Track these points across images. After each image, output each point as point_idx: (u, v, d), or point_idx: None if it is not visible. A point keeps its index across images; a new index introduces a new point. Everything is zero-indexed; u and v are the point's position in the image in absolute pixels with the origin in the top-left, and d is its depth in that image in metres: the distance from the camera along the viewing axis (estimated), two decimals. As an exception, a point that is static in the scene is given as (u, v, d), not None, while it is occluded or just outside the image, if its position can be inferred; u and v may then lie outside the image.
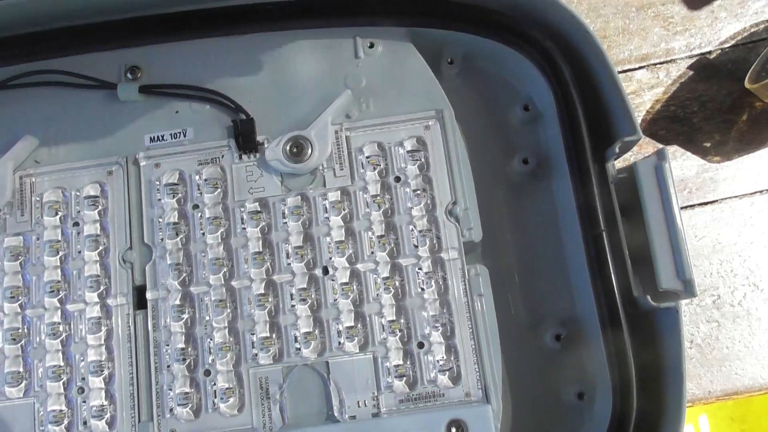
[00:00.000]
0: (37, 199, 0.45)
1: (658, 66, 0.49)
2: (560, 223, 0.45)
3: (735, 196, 0.47)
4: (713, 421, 1.14)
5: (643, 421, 0.39)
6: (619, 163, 0.46)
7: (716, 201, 0.47)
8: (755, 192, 0.47)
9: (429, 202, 0.44)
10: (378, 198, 0.44)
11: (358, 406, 0.41)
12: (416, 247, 0.43)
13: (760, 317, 0.45)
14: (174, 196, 0.45)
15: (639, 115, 0.49)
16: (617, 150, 0.40)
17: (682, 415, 0.37)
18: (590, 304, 0.42)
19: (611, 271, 0.40)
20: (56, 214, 0.45)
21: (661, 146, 0.45)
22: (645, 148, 0.48)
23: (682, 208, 0.48)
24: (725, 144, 0.48)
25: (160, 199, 0.45)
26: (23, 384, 0.43)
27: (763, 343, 0.45)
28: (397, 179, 0.44)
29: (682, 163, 0.48)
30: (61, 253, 0.45)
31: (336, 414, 0.41)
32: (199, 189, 0.45)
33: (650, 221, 0.39)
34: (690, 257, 0.38)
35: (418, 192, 0.44)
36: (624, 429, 0.39)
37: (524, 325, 0.45)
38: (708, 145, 0.48)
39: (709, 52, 0.49)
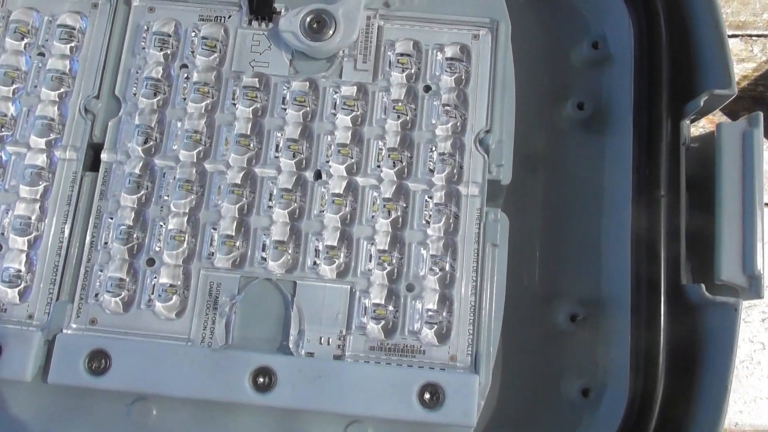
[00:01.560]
0: (3, 15, 0.38)
1: (754, 38, 0.41)
2: (605, 185, 0.38)
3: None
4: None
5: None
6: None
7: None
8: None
9: (459, 123, 0.36)
10: (399, 105, 0.36)
11: (320, 343, 0.34)
12: (432, 171, 0.36)
13: (816, 352, 0.38)
14: (162, 50, 0.37)
15: (722, 90, 0.41)
16: (701, 104, 0.33)
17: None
18: (623, 284, 0.34)
19: (662, 248, 0.32)
20: (22, 38, 0.38)
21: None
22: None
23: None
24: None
25: (144, 48, 0.37)
26: (-69, 224, 0.35)
27: (813, 381, 0.38)
28: (427, 89, 0.37)
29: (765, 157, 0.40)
30: (15, 85, 0.37)
31: (291, 345, 0.34)
32: (192, 48, 0.37)
33: (723, 198, 0.32)
34: (763, 250, 0.30)
35: (449, 109, 0.36)
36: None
37: (535, 296, 0.38)
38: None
39: (818, 38, 0.41)
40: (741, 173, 0.32)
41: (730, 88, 0.32)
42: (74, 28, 0.38)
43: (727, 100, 0.32)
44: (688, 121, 0.34)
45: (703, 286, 0.31)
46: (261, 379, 0.33)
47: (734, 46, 0.41)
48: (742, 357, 0.38)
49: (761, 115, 0.32)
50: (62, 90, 0.37)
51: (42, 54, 0.38)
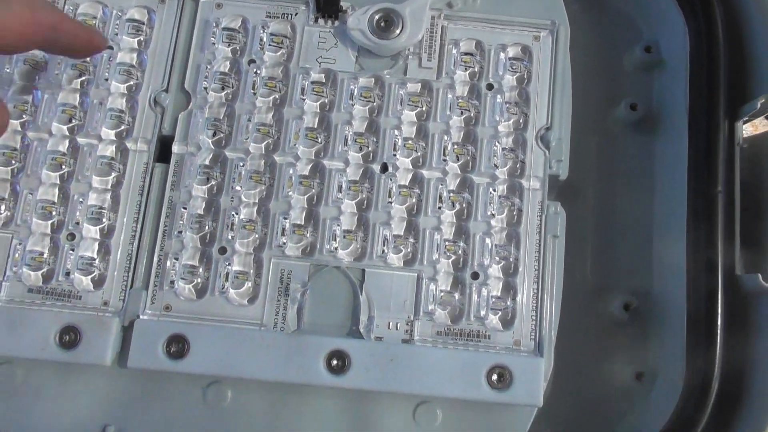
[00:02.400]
0: (71, 8, 0.39)
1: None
2: (656, 182, 0.40)
3: None
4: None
5: (715, 425, 0.33)
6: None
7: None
8: None
9: (520, 120, 0.38)
10: (462, 102, 0.38)
11: (388, 328, 0.35)
12: (495, 166, 0.37)
13: None
14: (230, 45, 0.38)
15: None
16: (758, 106, 0.35)
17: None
18: (678, 275, 0.36)
19: (719, 240, 0.34)
20: (89, 32, 0.38)
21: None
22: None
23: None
24: None
25: (213, 44, 0.38)
26: (4, 214, 0.36)
27: None
28: (490, 87, 0.38)
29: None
30: (84, 77, 0.38)
31: (361, 330, 0.35)
32: (261, 44, 0.38)
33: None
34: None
35: (510, 106, 0.38)
36: (691, 426, 0.33)
37: (591, 287, 0.39)
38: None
39: None
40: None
41: (785, 92, 0.34)
42: (142, 23, 0.39)
43: (784, 102, 0.35)
44: (741, 123, 0.36)
45: (759, 275, 0.33)
46: (335, 362, 0.34)
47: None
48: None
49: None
50: (131, 83, 0.38)
51: (110, 47, 0.38)
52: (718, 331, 0.33)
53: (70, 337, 0.34)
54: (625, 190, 0.40)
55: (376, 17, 0.37)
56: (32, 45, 0.31)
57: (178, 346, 0.34)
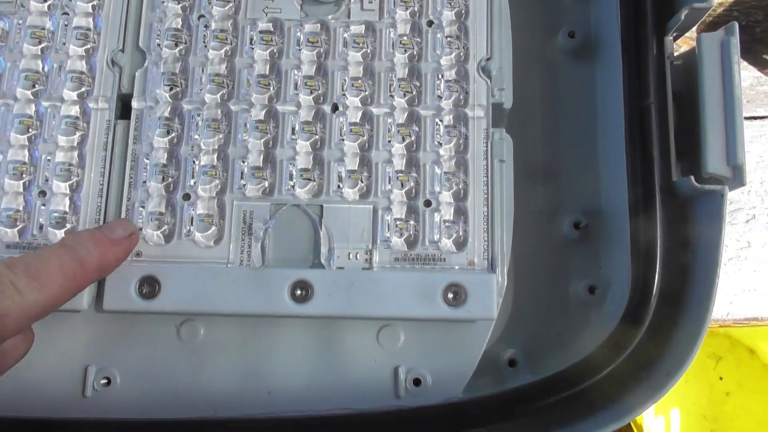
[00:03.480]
0: (26, -21, 0.40)
1: (727, -33, 0.45)
2: (598, 105, 0.41)
3: (787, 114, 0.43)
4: (685, 417, 1.13)
5: (657, 325, 0.35)
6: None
7: (766, 117, 0.43)
8: (809, 112, 0.43)
9: (461, 53, 0.39)
10: (405, 39, 0.39)
11: (348, 258, 0.37)
12: (440, 98, 0.39)
13: (795, 243, 0.42)
14: (179, 2, 0.40)
15: (698, 15, 0.44)
16: (682, 18, 0.36)
17: (707, 313, 0.34)
18: (621, 188, 0.38)
19: (654, 149, 0.36)
20: (44, 0, 0.40)
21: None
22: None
23: (728, 118, 0.44)
24: (786, 58, 0.44)
25: (163, 2, 0.40)
26: (-22, 176, 0.38)
27: (793, 270, 0.41)
28: (430, 23, 0.40)
29: (735, 72, 0.44)
30: (43, 43, 0.40)
31: (323, 261, 0.37)
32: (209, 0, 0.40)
33: (705, 96, 0.35)
34: (744, 143, 0.34)
35: (451, 40, 0.39)
36: (635, 326, 0.35)
37: (542, 209, 0.41)
38: (767, 57, 0.44)
39: (784, -36, 0.45)
40: (721, 76, 0.35)
41: (707, 1, 0.35)
42: (95, -12, 0.40)
43: (705, 13, 0.36)
44: (671, 38, 0.38)
45: (692, 177, 0.35)
46: (299, 292, 0.36)
47: (707, -27, 0.45)
48: (730, 255, 0.42)
49: (736, 24, 0.35)
50: (89, 46, 0.40)
51: (66, 13, 0.40)
52: (658, 236, 0.35)
53: (47, 286, 0.36)
54: (570, 114, 0.42)
55: (316, -36, 0.39)
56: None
57: (149, 287, 0.36)
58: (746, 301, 0.41)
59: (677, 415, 1.14)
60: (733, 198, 0.42)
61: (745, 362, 1.16)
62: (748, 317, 0.41)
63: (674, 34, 0.38)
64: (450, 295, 0.36)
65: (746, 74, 0.44)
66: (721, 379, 1.16)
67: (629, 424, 1.17)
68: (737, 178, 0.34)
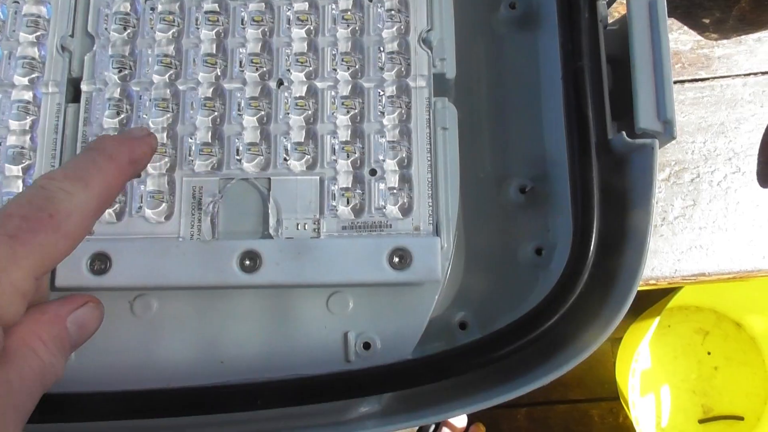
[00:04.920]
0: (-26, -31, 0.41)
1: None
2: (540, 74, 0.42)
3: (728, 76, 0.44)
4: (675, 393, 1.14)
5: (597, 275, 0.36)
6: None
7: (708, 79, 0.44)
8: (749, 74, 0.44)
9: (402, 26, 0.40)
10: (348, 14, 0.40)
11: (297, 229, 0.38)
12: (381, 69, 0.40)
13: (739, 200, 0.43)
14: (132, -10, 0.41)
15: (638, -17, 0.45)
16: (611, -19, 0.37)
17: (641, 262, 0.34)
18: (562, 150, 0.39)
19: (588, 108, 0.37)
20: (-7, -11, 0.41)
21: None
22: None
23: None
24: (725, 22, 0.45)
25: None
26: (-68, 162, 0.39)
27: (737, 226, 0.42)
28: (371, -2, 0.41)
29: (677, 37, 0.45)
30: (-7, 31, 0.40)
31: (271, 232, 0.38)
32: (154, -18, 0.41)
33: (636, 56, 0.36)
34: (674, 99, 0.35)
35: (392, 14, 0.40)
36: (575, 280, 0.36)
37: (490, 176, 0.42)
38: (707, 21, 0.45)
39: (722, -72, 0.46)
40: (650, 34, 0.36)
41: (633, -36, 0.36)
42: (43, -24, 0.41)
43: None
44: (603, 2, 0.39)
45: (624, 133, 0.35)
46: (248, 262, 0.37)
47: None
48: (676, 214, 0.43)
49: (662, -16, 0.36)
50: (39, 33, 0.41)
51: (17, 2, 0.41)
52: (594, 192, 0.36)
53: None
54: (515, 83, 0.43)
55: (256, -57, 0.40)
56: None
57: (101, 263, 0.37)
58: (693, 258, 0.42)
59: (667, 391, 1.16)
60: (678, 158, 0.43)
61: (732, 336, 1.17)
62: (695, 273, 0.42)
63: (606, 0, 0.39)
64: (396, 259, 0.37)
65: (687, 38, 0.45)
66: (709, 354, 1.18)
67: (620, 402, 1.17)
68: (668, 131, 0.35)
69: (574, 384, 1.23)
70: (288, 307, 0.38)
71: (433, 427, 1.24)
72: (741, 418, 1.14)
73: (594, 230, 0.35)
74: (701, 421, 1.14)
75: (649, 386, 1.15)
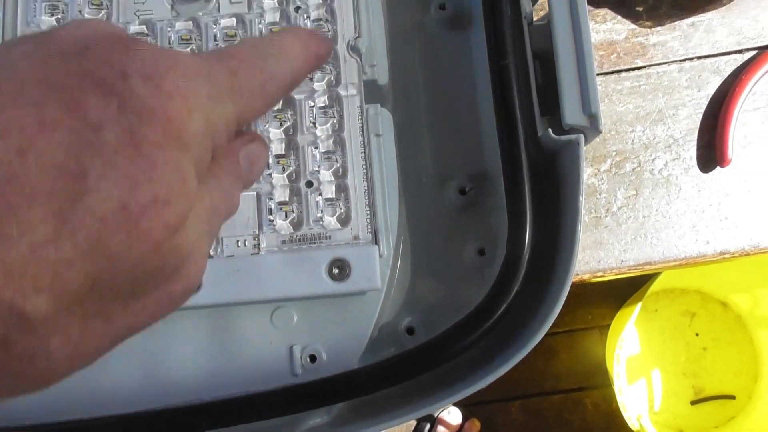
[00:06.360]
0: None
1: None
2: (474, 73, 0.42)
3: (664, 63, 0.44)
4: (665, 376, 1.14)
5: (534, 269, 0.36)
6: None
7: (644, 66, 0.44)
8: (684, 59, 0.44)
9: (330, 35, 0.40)
10: (275, 27, 0.40)
11: (237, 246, 0.38)
12: (311, 80, 0.40)
13: (680, 186, 0.43)
14: (53, 14, 0.41)
15: (570, -24, 0.45)
16: (530, -23, 0.37)
17: (572, 257, 0.34)
18: (497, 153, 0.39)
19: (515, 106, 0.37)
20: None
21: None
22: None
23: (608, 72, 0.45)
24: (658, 9, 0.45)
25: (35, 16, 0.41)
26: None
27: (680, 213, 0.42)
28: (297, 9, 0.41)
29: (612, 27, 0.45)
30: None
31: (211, 252, 0.38)
32: (79, 8, 0.41)
33: (559, 53, 0.36)
34: (598, 93, 0.35)
35: (320, 23, 0.40)
36: (512, 276, 0.36)
37: (431, 180, 0.42)
38: (640, 9, 0.45)
39: None
40: (572, 29, 0.36)
41: (551, -41, 0.36)
42: (-29, 9, 0.41)
43: (550, -31, 0.37)
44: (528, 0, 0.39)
45: (550, 130, 0.36)
46: (187, 283, 0.37)
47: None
48: (619, 204, 0.43)
49: (581, -24, 0.36)
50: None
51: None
52: (526, 190, 0.36)
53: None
54: (450, 83, 0.43)
55: (178, -37, 0.40)
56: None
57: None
58: (637, 247, 0.42)
59: (658, 375, 1.16)
60: (618, 149, 0.43)
61: (718, 316, 1.18)
62: (640, 262, 0.42)
63: (529, -8, 0.39)
64: (335, 270, 0.37)
65: (621, 27, 0.45)
66: (697, 335, 1.18)
67: (612, 389, 1.17)
68: (593, 125, 0.35)
69: (565, 373, 1.23)
70: (232, 325, 0.38)
71: (428, 426, 1.25)
72: (732, 397, 1.14)
73: (527, 229, 0.35)
74: (693, 403, 1.14)
75: (639, 371, 1.15)
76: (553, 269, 0.35)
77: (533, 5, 0.39)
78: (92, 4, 0.41)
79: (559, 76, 0.36)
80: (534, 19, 0.39)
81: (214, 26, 0.40)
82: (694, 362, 1.20)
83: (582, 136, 0.35)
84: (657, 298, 1.16)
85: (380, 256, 0.37)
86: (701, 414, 1.14)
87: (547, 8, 0.38)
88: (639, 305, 0.98)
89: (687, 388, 1.18)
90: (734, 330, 1.21)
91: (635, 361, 1.17)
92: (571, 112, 0.35)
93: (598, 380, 1.22)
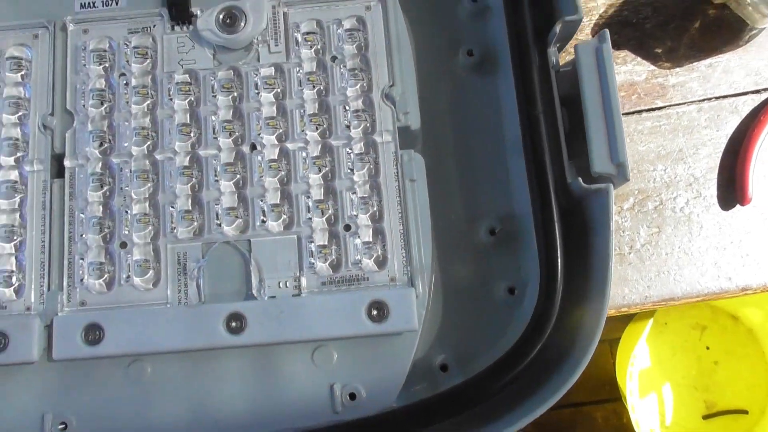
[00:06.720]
0: (-47, 56, 0.43)
1: (615, -28, 0.47)
2: (502, 117, 0.44)
3: (683, 103, 0.46)
4: (676, 390, 1.15)
5: (566, 312, 0.38)
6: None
7: (664, 107, 0.46)
8: (703, 99, 0.46)
9: (365, 84, 0.42)
10: (312, 76, 0.42)
11: (279, 287, 0.40)
12: (348, 128, 0.42)
13: (702, 224, 0.44)
14: (100, 63, 0.43)
15: (591, 20, 0.47)
16: (557, 31, 0.39)
17: (605, 302, 0.36)
18: (525, 194, 0.40)
19: (545, 155, 0.39)
20: (-26, 74, 0.43)
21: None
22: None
23: (630, 113, 0.46)
24: (676, 51, 0.46)
25: (85, 65, 0.43)
26: (-73, 247, 0.41)
27: (702, 250, 0.44)
28: (334, 59, 0.43)
29: (632, 68, 0.46)
30: (-23, 116, 0.42)
31: (255, 293, 0.40)
32: (126, 58, 0.43)
33: (587, 102, 0.38)
34: (625, 141, 0.37)
35: (355, 73, 0.42)
36: (545, 320, 0.38)
37: (461, 220, 0.43)
38: (659, 51, 0.46)
39: (667, -40, 0.48)
40: (599, 80, 0.38)
41: (577, 14, 0.38)
42: (21, 58, 0.43)
43: (578, 25, 0.39)
44: (554, 49, 0.41)
45: (580, 179, 0.37)
46: (234, 324, 0.38)
47: (597, -21, 0.47)
48: (642, 242, 0.44)
49: (607, 31, 0.38)
50: (21, 113, 0.42)
51: (-4, 84, 0.43)
52: (557, 235, 0.38)
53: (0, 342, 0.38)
54: (478, 127, 0.44)
55: (221, 16, 0.42)
56: None
57: (94, 334, 0.39)
58: (661, 283, 0.43)
59: (669, 389, 1.17)
60: (640, 187, 0.45)
61: (729, 329, 1.18)
62: (664, 298, 0.44)
63: (557, 45, 0.40)
64: (374, 312, 0.38)
65: (641, 68, 0.46)
66: (708, 348, 1.18)
67: (623, 403, 1.18)
68: (621, 174, 0.37)
69: (575, 387, 1.24)
70: (275, 363, 0.40)
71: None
72: (745, 412, 1.15)
73: (559, 274, 0.37)
74: (705, 417, 1.15)
75: (650, 385, 1.16)
76: (585, 313, 0.37)
77: (559, 52, 0.41)
78: (138, 54, 0.43)
79: (587, 125, 0.38)
80: (560, 64, 0.41)
81: (255, 75, 0.42)
82: (706, 376, 1.20)
83: (611, 185, 0.36)
84: (666, 311, 1.17)
85: (416, 297, 0.39)
86: (714, 429, 1.15)
87: (573, 54, 0.40)
88: (651, 321, 0.99)
89: (698, 402, 1.19)
90: (746, 343, 1.22)
91: (646, 375, 1.18)
92: (600, 161, 0.37)
93: (608, 394, 1.23)
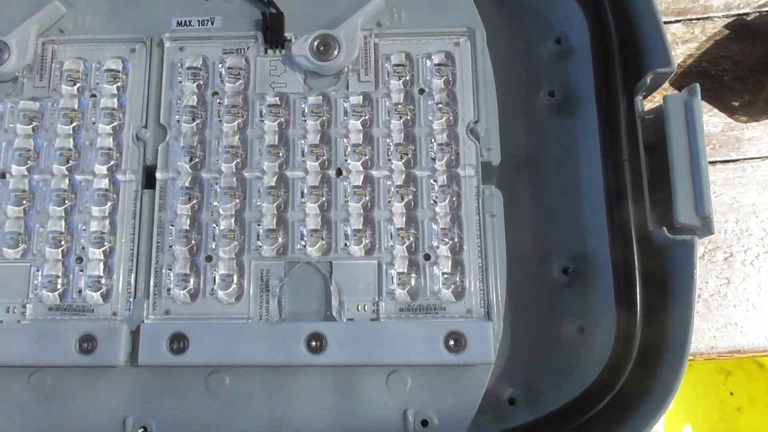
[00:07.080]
0: (57, 66, 0.45)
1: (694, 21, 0.48)
2: (580, 158, 0.45)
3: (758, 158, 0.47)
4: (698, 433, 1.15)
5: (643, 361, 0.39)
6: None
7: (738, 160, 0.47)
8: (778, 155, 0.47)
9: (451, 117, 0.43)
10: (400, 107, 0.43)
11: (357, 310, 0.41)
12: (433, 160, 0.43)
13: (771, 279, 0.45)
14: (195, 81, 0.44)
15: (670, 67, 0.48)
16: (648, 81, 0.40)
17: (684, 354, 0.37)
18: (602, 237, 0.41)
19: (629, 202, 0.39)
20: (75, 84, 0.45)
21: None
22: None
23: (702, 162, 0.47)
24: (754, 105, 0.47)
25: (180, 82, 0.44)
26: (21, 246, 0.42)
27: (770, 304, 0.45)
28: (421, 91, 0.44)
29: (708, 119, 0.47)
30: (75, 123, 0.44)
31: (334, 314, 0.41)
32: (220, 77, 0.44)
33: (674, 154, 0.39)
34: (711, 195, 0.38)
35: (441, 106, 0.43)
36: (622, 365, 0.39)
37: (533, 257, 0.44)
38: (736, 104, 0.47)
39: (747, 14, 0.48)
40: (686, 133, 0.39)
41: (669, 66, 0.39)
42: (118, 71, 0.45)
43: (668, 76, 0.40)
44: (640, 97, 0.42)
45: (665, 229, 0.38)
46: (314, 343, 0.40)
47: (677, 30, 0.48)
48: (711, 291, 0.45)
49: (698, 86, 0.39)
50: (115, 123, 0.44)
51: (94, 95, 0.44)
52: (637, 282, 0.39)
53: (88, 345, 0.40)
54: (555, 167, 0.45)
55: (315, 43, 0.43)
56: None
57: (179, 343, 0.40)
58: (728, 335, 0.44)
59: (689, 432, 1.16)
60: (711, 238, 0.46)
61: (755, 376, 1.18)
62: (731, 350, 0.44)
63: (643, 94, 0.41)
64: (451, 342, 0.40)
65: (717, 120, 0.47)
66: (731, 394, 1.18)
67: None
68: (706, 227, 0.38)
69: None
70: (350, 385, 0.41)
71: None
72: (766, 457, 1.14)
73: (638, 320, 0.38)
74: (725, 459, 1.15)
75: (671, 426, 1.16)
76: (663, 362, 0.38)
77: (644, 99, 0.42)
78: (231, 74, 0.44)
79: (672, 175, 0.39)
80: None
81: (344, 102, 0.44)
82: (728, 422, 1.20)
83: (696, 238, 0.37)
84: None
85: (493, 330, 0.40)
86: (734, 472, 1.15)
87: (658, 101, 0.41)
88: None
89: (719, 447, 1.18)
90: (771, 392, 1.20)
91: (667, 415, 1.17)
92: (685, 212, 0.38)
93: None
